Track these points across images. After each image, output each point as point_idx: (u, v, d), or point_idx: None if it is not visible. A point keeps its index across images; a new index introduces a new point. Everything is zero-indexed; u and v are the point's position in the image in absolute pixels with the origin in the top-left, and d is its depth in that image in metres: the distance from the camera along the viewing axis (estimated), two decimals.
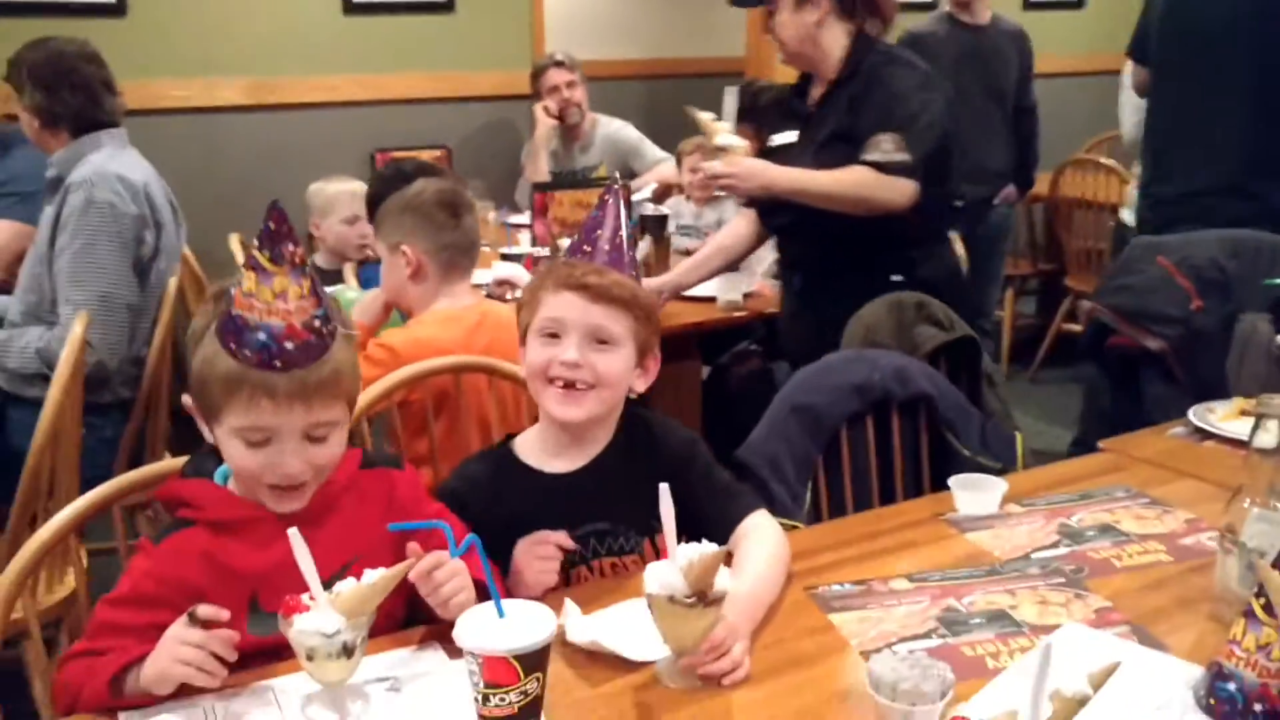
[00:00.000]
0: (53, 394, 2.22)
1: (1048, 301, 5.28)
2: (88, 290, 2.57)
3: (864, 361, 1.97)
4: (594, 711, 1.23)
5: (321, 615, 1.17)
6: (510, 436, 1.63)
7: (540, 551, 1.46)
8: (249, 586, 1.33)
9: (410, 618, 1.41)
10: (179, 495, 1.41)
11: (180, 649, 1.21)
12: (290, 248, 1.25)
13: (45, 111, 2.72)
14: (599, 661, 1.30)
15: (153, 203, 2.74)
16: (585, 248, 1.54)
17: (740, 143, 2.60)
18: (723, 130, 2.60)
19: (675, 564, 1.23)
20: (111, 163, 2.67)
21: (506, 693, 1.14)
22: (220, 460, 1.44)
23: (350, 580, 1.20)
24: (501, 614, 1.17)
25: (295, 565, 1.35)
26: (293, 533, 1.17)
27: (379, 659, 1.30)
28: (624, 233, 1.53)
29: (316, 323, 1.29)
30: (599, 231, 1.53)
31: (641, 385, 1.57)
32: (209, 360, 1.30)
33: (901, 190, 2.41)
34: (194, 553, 1.35)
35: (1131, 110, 4.02)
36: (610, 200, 1.54)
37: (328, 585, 1.28)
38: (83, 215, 2.60)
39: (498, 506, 1.53)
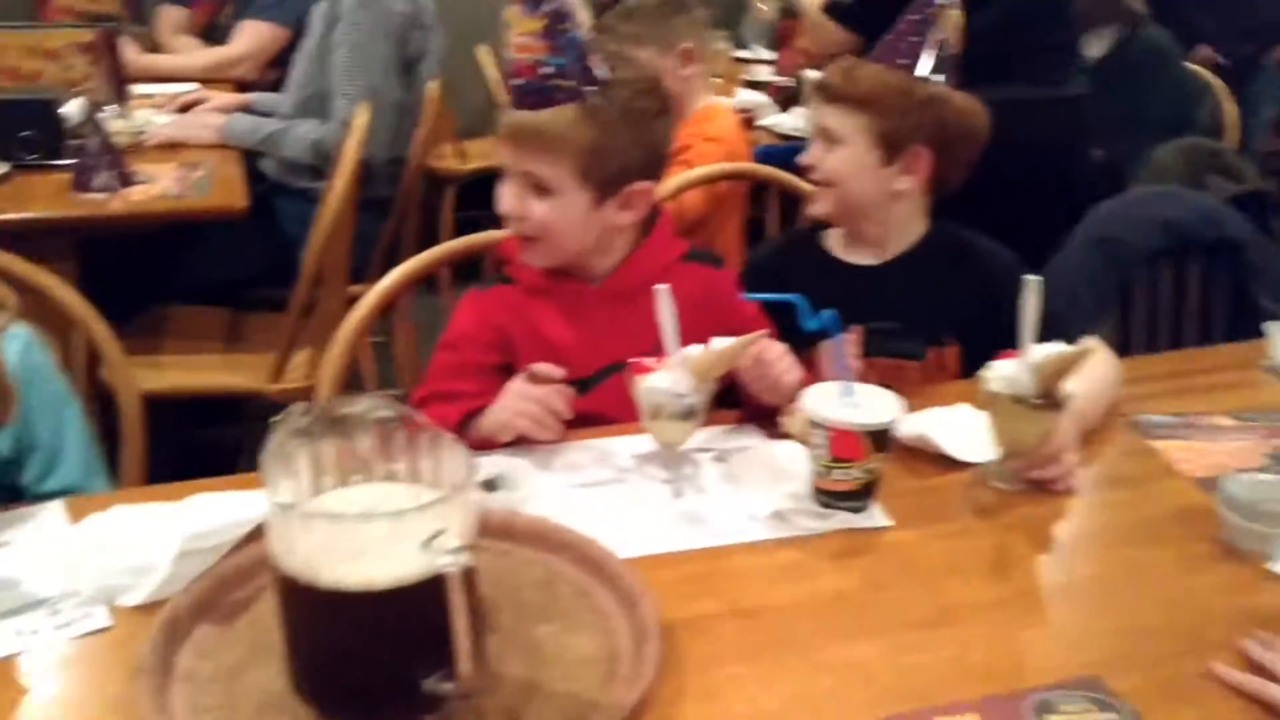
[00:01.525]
0: (337, 184, 2.29)
1: None
2: (359, 84, 2.64)
3: (1173, 198, 1.87)
4: (920, 502, 1.23)
5: (675, 375, 1.19)
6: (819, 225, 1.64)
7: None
8: (551, 352, 1.36)
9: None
10: (504, 253, 1.45)
11: (521, 403, 1.26)
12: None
13: None
14: (921, 457, 1.30)
15: (419, 2, 2.78)
16: None
17: None
18: None
19: (1025, 362, 1.20)
20: None
21: (850, 468, 1.15)
22: None
23: (699, 346, 1.21)
24: (850, 392, 1.17)
25: (596, 341, 1.38)
26: (662, 289, 1.18)
27: (701, 433, 1.33)
28: None
29: (544, 71, 1.29)
30: None
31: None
32: None
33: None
34: (511, 306, 1.40)
35: None
36: None
37: (618, 369, 1.31)
38: (358, 10, 2.65)
39: (788, 287, 1.53)
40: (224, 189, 2.40)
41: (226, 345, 2.57)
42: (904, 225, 1.60)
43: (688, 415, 1.21)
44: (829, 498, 1.17)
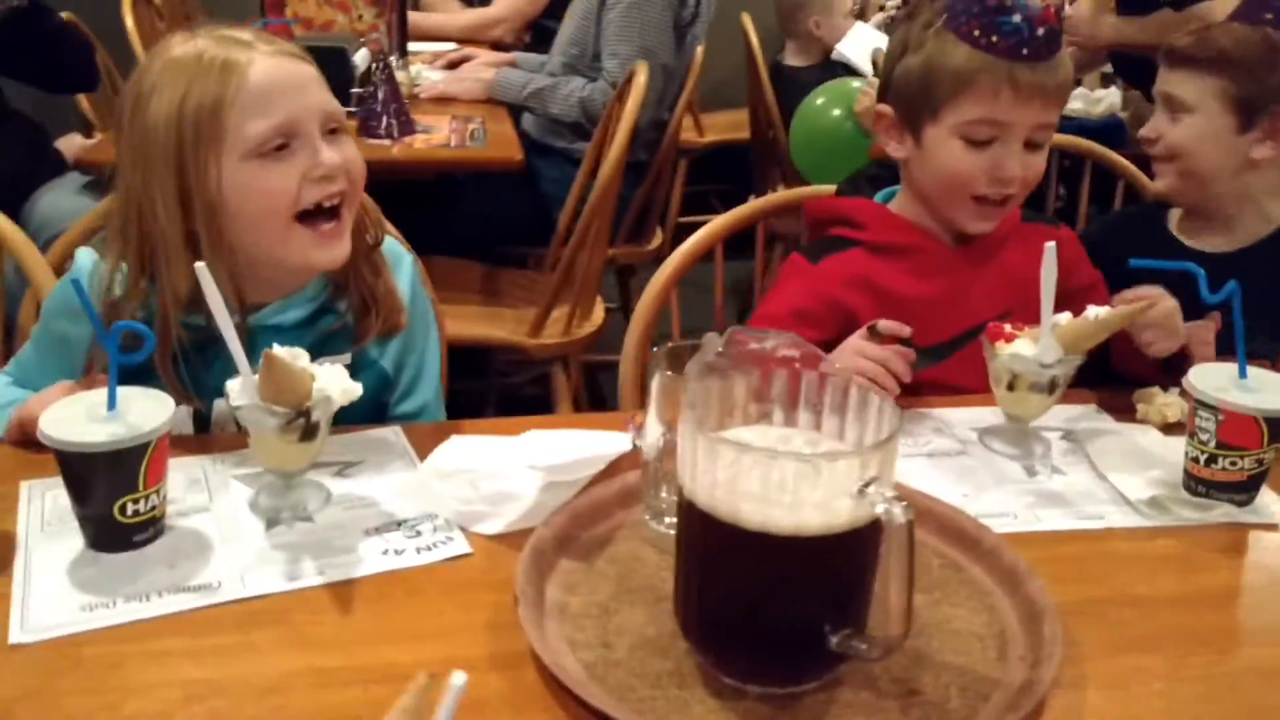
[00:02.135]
0: (614, 144, 2.28)
1: None
2: (633, 44, 2.63)
3: None
4: None
5: (1045, 344, 1.10)
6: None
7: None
8: (903, 314, 1.29)
9: None
10: (841, 212, 1.39)
11: (859, 360, 1.20)
12: None
13: None
14: None
15: None
16: None
17: None
18: None
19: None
20: None
21: (1241, 456, 1.04)
22: (879, 187, 1.41)
23: (1066, 314, 1.13)
24: (1244, 374, 1.06)
25: (953, 304, 1.30)
26: (1050, 248, 1.09)
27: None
28: None
29: (1058, 12, 1.20)
30: None
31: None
32: (936, 55, 1.25)
33: None
34: (851, 275, 1.33)
35: None
36: None
37: (973, 334, 1.23)
38: None
39: (1121, 268, 1.42)
40: (499, 142, 2.43)
41: (483, 299, 2.60)
42: (1260, 206, 1.47)
43: (1050, 388, 1.12)
44: (1209, 487, 1.07)
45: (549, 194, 2.76)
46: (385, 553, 0.97)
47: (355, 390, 0.99)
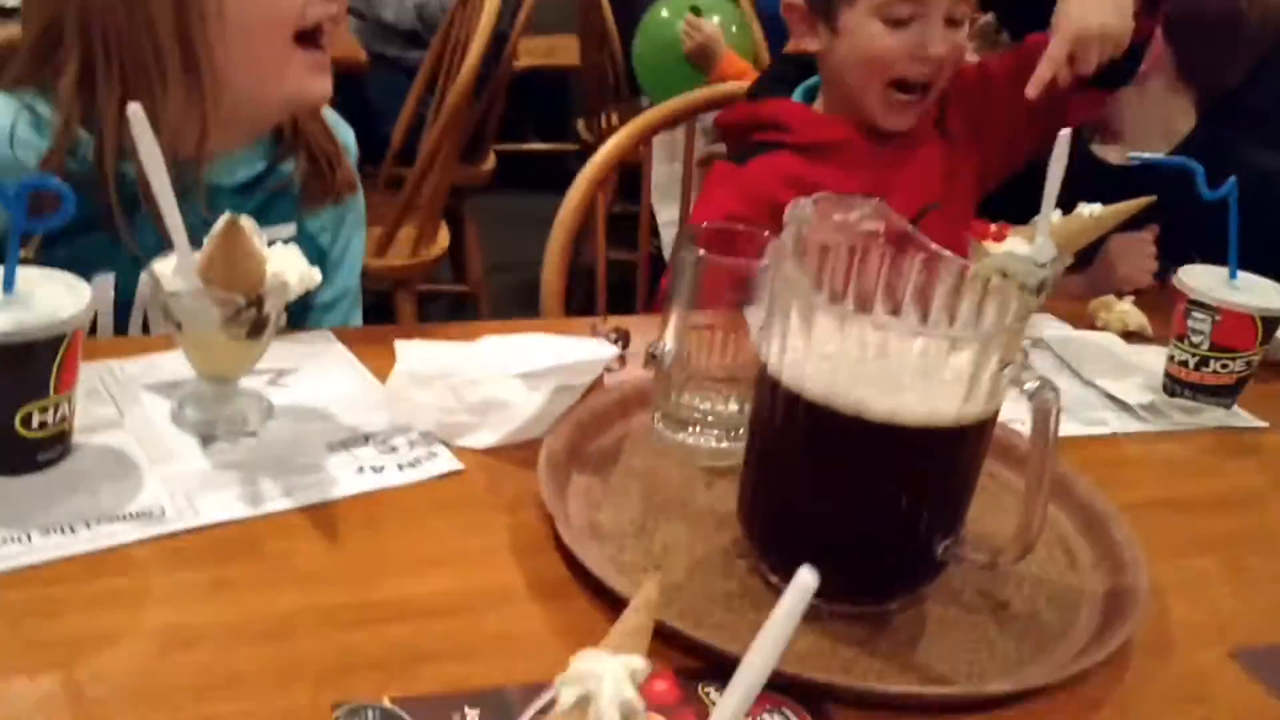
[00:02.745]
0: (470, 56, 2.11)
1: None
2: None
3: None
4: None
5: (1040, 242, 1.05)
6: None
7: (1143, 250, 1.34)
8: None
9: None
10: (762, 117, 1.31)
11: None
12: None
13: None
14: None
15: None
16: None
17: None
18: None
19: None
20: None
21: (1234, 358, 1.03)
22: (790, 85, 1.34)
23: (1059, 212, 1.08)
24: (1235, 275, 1.05)
25: (888, 192, 1.25)
26: (1064, 135, 1.03)
27: None
28: None
29: None
30: None
31: None
32: None
33: None
34: (782, 176, 1.25)
35: None
36: None
37: None
38: None
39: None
40: (339, 43, 2.19)
41: None
42: (1167, 121, 1.48)
43: (1039, 289, 1.07)
44: (1196, 391, 1.05)
45: (377, 105, 2.55)
46: (361, 471, 0.81)
47: (314, 276, 0.82)
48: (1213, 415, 1.04)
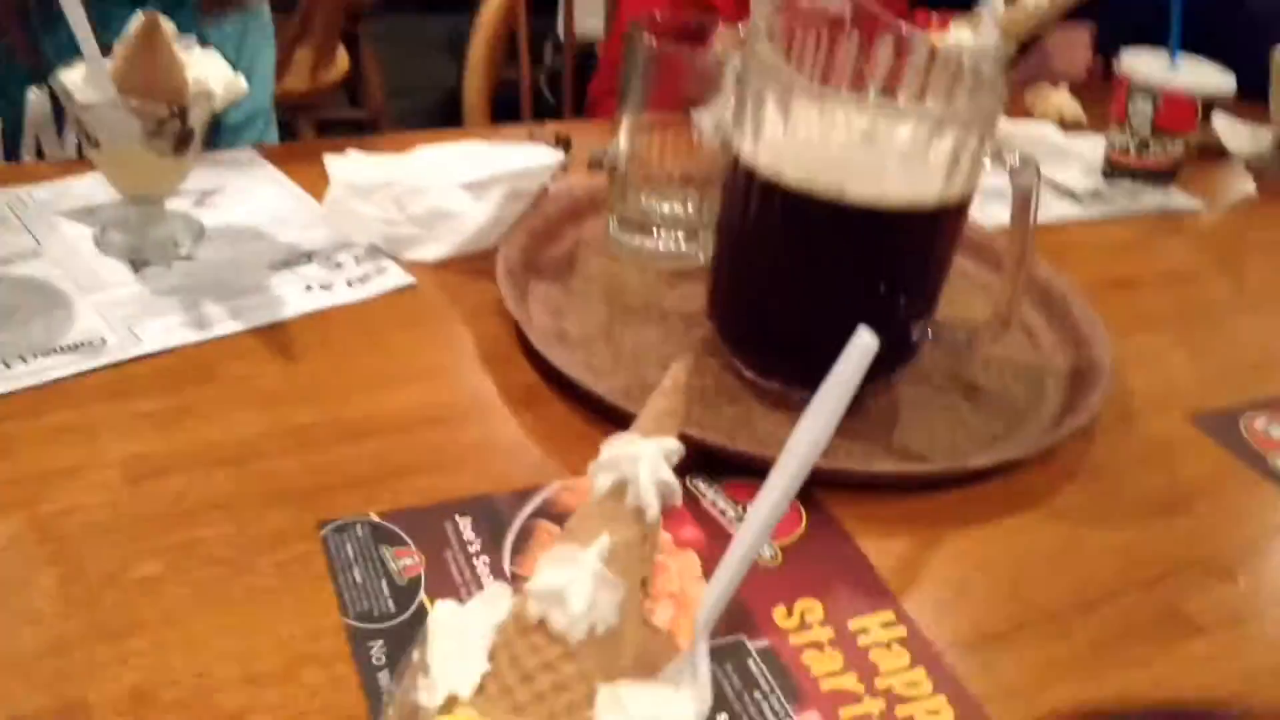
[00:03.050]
0: None
1: None
2: None
3: None
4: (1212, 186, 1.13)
5: (985, 31, 1.03)
6: None
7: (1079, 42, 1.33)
8: None
9: None
10: None
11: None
12: None
13: None
14: None
15: None
16: None
17: None
18: None
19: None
20: None
21: (1175, 140, 1.03)
22: None
23: (1000, 1, 1.05)
24: (1175, 57, 1.04)
25: None
26: None
27: None
28: None
29: None
30: None
31: None
32: None
33: None
34: None
35: None
36: None
37: None
38: None
39: None
40: None
41: None
42: None
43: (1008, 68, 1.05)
44: (1135, 176, 1.06)
45: None
46: (309, 289, 0.77)
47: (239, 84, 0.76)
48: (1152, 198, 1.05)
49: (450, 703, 0.34)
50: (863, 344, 0.38)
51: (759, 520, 0.39)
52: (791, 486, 0.39)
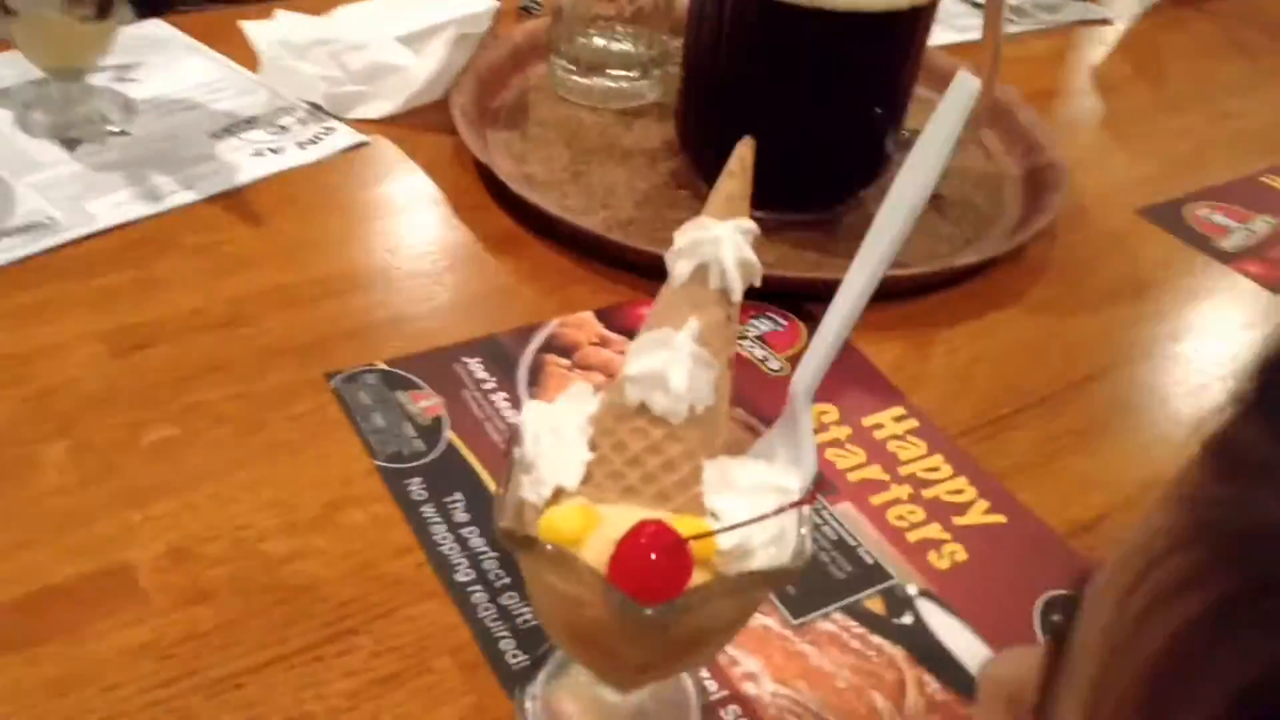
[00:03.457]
0: None
1: None
2: None
3: None
4: None
5: None
6: None
7: None
8: None
9: None
10: None
11: None
12: None
13: None
14: None
15: None
16: None
17: None
18: None
19: None
20: None
21: None
22: None
23: None
24: None
25: None
26: None
27: None
28: None
29: None
30: None
31: None
32: None
33: None
34: None
35: None
36: None
37: None
38: None
39: None
40: None
41: None
42: None
43: None
44: None
45: None
46: (259, 154, 0.74)
47: None
48: (1072, 10, 1.07)
49: (558, 494, 0.35)
50: (965, 85, 0.38)
51: (864, 275, 0.40)
52: (898, 238, 0.39)
